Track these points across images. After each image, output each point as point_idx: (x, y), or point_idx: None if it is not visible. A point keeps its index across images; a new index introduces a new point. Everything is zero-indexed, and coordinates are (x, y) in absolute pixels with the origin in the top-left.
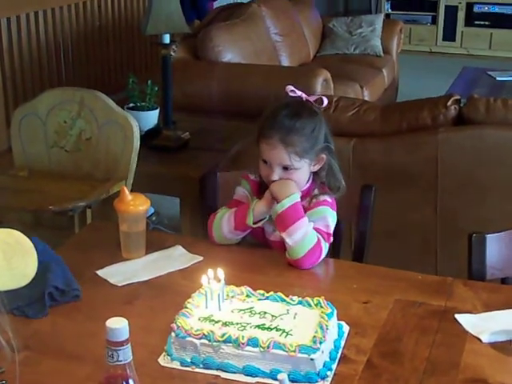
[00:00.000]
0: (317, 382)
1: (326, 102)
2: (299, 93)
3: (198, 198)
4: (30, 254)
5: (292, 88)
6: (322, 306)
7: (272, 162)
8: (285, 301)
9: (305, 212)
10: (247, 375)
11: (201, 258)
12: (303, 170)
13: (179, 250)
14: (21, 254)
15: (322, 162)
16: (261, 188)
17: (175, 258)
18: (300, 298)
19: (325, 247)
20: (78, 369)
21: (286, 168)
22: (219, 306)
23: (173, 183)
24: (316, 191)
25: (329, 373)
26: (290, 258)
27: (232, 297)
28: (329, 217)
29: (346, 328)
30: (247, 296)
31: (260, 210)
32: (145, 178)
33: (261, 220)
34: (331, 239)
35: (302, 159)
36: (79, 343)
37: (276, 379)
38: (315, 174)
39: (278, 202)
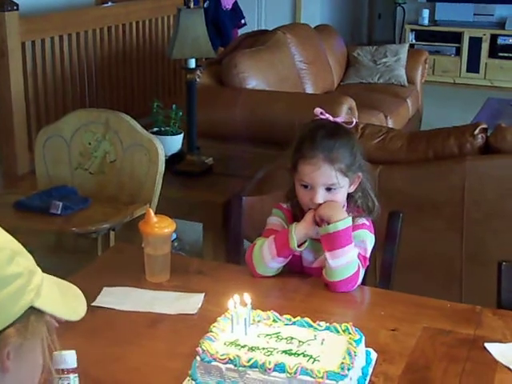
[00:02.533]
0: None
1: (354, 121)
2: (327, 115)
3: (221, 224)
4: (81, 297)
5: (321, 110)
6: (350, 332)
7: (316, 183)
8: (312, 326)
9: None
10: None
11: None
12: (344, 190)
13: (199, 297)
14: (73, 293)
15: (358, 181)
16: (295, 217)
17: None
18: (327, 324)
19: (361, 274)
20: None
21: (328, 189)
22: (245, 331)
23: (196, 208)
24: (351, 215)
25: None
26: (326, 278)
27: (258, 321)
28: (367, 240)
29: (373, 355)
30: (274, 321)
31: (301, 232)
32: (168, 202)
33: (304, 243)
34: (368, 263)
35: (345, 177)
36: (101, 368)
37: None
38: (350, 197)
39: (328, 224)
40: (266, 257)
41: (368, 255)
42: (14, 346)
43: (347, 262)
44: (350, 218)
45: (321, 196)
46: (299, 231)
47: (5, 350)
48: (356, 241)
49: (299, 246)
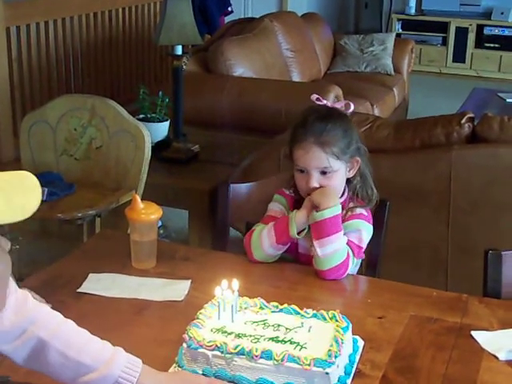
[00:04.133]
0: None
1: (352, 107)
2: (325, 101)
3: (207, 211)
4: (33, 189)
5: (317, 96)
6: (337, 320)
7: (309, 166)
8: (299, 313)
9: None
10: None
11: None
12: (341, 174)
13: (186, 284)
14: (23, 190)
15: (357, 166)
16: (297, 203)
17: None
18: (315, 311)
19: (352, 262)
20: None
21: (323, 172)
22: (232, 318)
23: (182, 195)
24: (351, 204)
25: None
26: (315, 266)
27: (245, 308)
28: (363, 230)
29: (360, 342)
30: (261, 308)
31: (301, 219)
32: (153, 189)
33: (303, 230)
34: (363, 255)
35: (338, 160)
36: None
37: None
38: (348, 182)
39: (317, 211)
40: (265, 243)
41: (363, 245)
42: None
43: (335, 250)
44: (339, 206)
45: (315, 179)
46: (299, 219)
47: None
48: (351, 229)
49: (298, 234)
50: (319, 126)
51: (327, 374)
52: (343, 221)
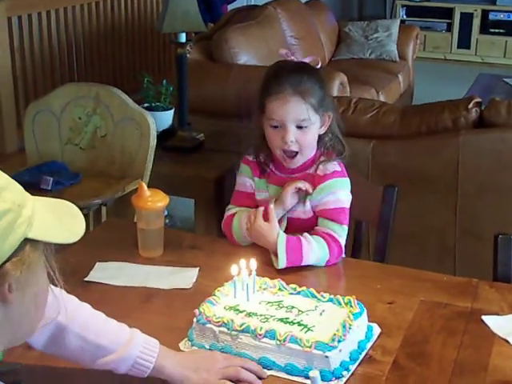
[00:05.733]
0: (331, 380)
1: (320, 63)
2: (293, 57)
3: (213, 200)
4: (78, 216)
5: (286, 51)
6: (351, 306)
7: (286, 119)
8: (316, 297)
9: (314, 186)
10: (263, 367)
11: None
12: (315, 129)
13: (194, 272)
14: (69, 215)
15: (328, 121)
16: (261, 167)
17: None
18: (331, 296)
19: (341, 239)
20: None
21: (299, 127)
22: (247, 297)
23: (187, 184)
24: (322, 158)
25: (345, 373)
26: None
27: (264, 289)
28: (338, 191)
29: (376, 330)
30: (279, 289)
31: (276, 212)
32: (159, 178)
33: (281, 219)
34: (347, 220)
35: (316, 113)
36: None
37: (290, 373)
38: (319, 139)
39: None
40: (246, 234)
41: (344, 205)
42: (14, 279)
43: (316, 258)
44: (282, 235)
45: (292, 133)
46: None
47: (5, 284)
48: (326, 193)
49: (279, 224)
50: (296, 77)
51: (327, 357)
52: (317, 182)
